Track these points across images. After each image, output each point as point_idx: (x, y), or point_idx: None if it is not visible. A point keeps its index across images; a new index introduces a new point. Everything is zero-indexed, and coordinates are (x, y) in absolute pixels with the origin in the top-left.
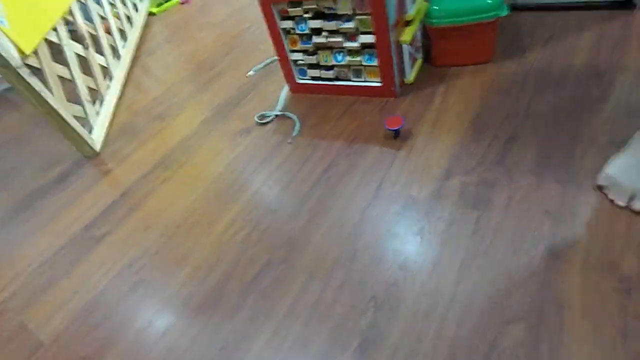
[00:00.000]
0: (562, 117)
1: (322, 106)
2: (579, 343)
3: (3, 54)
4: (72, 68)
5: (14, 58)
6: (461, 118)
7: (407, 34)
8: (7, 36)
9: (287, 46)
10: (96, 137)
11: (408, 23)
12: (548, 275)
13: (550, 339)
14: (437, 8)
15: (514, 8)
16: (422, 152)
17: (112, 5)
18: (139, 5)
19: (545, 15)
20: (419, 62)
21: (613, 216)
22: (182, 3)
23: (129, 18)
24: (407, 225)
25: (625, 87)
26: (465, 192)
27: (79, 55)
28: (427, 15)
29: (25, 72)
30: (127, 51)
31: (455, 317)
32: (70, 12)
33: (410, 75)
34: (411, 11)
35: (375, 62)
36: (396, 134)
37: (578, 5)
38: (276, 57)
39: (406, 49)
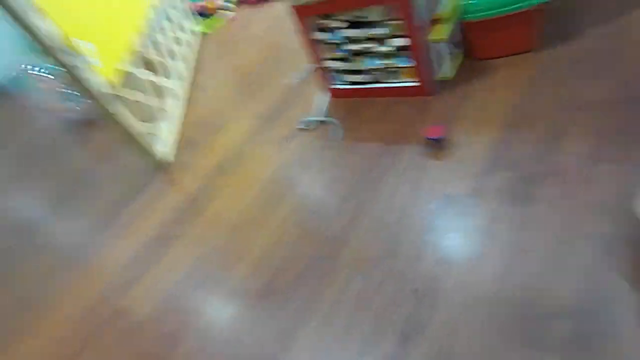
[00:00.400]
0: (618, 108)
1: (361, 109)
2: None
3: (99, 88)
4: (145, 92)
5: (106, 90)
6: (503, 112)
7: (441, 32)
8: (101, 73)
9: (323, 55)
10: (166, 150)
11: (443, 21)
12: (598, 268)
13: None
14: (474, 2)
15: None
16: (463, 151)
17: (171, 31)
18: (191, 29)
19: None
20: (459, 57)
21: None
22: (230, 20)
23: (185, 41)
24: (446, 222)
25: None
26: (507, 188)
27: (150, 82)
28: (464, 10)
29: (114, 100)
30: (185, 71)
31: (494, 312)
32: (143, 46)
33: (450, 72)
34: (447, 8)
35: (410, 64)
36: (437, 141)
37: None
38: (314, 65)
39: (442, 46)
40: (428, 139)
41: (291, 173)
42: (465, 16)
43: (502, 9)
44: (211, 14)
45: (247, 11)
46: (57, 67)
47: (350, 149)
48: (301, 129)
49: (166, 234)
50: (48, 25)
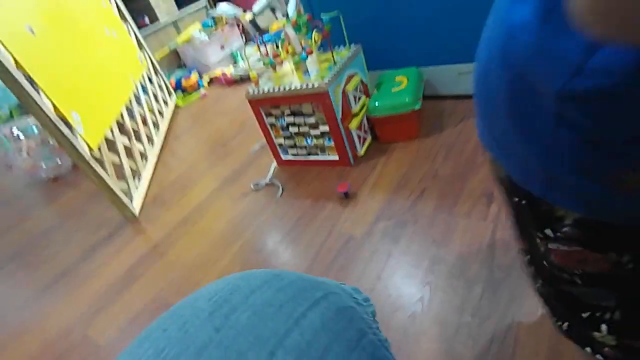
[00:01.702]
0: (456, 177)
1: (299, 175)
2: None
3: (80, 151)
4: (120, 156)
5: (86, 153)
6: (392, 179)
7: (354, 123)
8: (83, 139)
9: (273, 134)
10: (136, 205)
11: (355, 115)
12: (433, 282)
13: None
14: (375, 105)
15: (434, 97)
16: (363, 205)
17: (148, 104)
18: (169, 101)
19: (460, 102)
20: (368, 140)
21: (477, 231)
22: (202, 97)
23: (160, 112)
24: (349, 255)
25: None
26: (385, 231)
27: (124, 145)
28: (369, 109)
29: (92, 161)
30: (159, 138)
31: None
32: (121, 115)
33: (362, 150)
34: (357, 107)
35: (332, 143)
36: (345, 195)
37: None
38: (265, 142)
39: (354, 133)
40: (339, 192)
41: (242, 222)
42: (370, 113)
43: (393, 111)
44: (186, 90)
45: (217, 90)
46: (33, 128)
47: (289, 204)
48: (253, 189)
49: (130, 274)
50: (42, 97)
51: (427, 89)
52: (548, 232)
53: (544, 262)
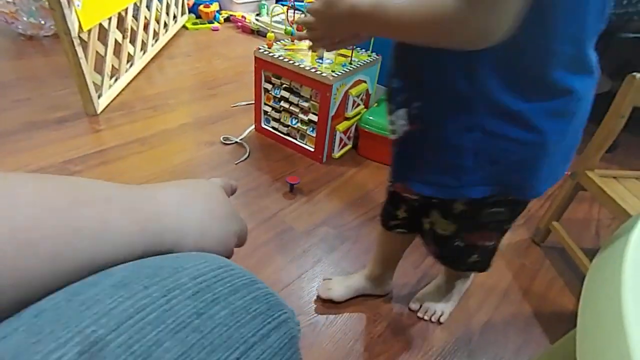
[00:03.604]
0: None
1: (270, 149)
2: None
3: (69, 24)
4: (107, 49)
5: (74, 30)
6: (353, 192)
7: (342, 126)
8: (76, 14)
9: (264, 99)
10: (101, 102)
11: (347, 118)
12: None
13: None
14: (370, 118)
15: None
16: (315, 205)
17: (158, 11)
18: (179, 18)
19: None
20: (348, 146)
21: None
22: (212, 29)
23: (165, 24)
24: (281, 245)
25: None
26: (325, 237)
27: (116, 40)
28: (361, 119)
29: (76, 41)
30: (153, 49)
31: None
32: (125, 9)
33: (337, 153)
34: (351, 112)
35: (314, 134)
36: (291, 188)
37: None
38: (253, 102)
39: (338, 134)
40: (287, 182)
41: (196, 168)
42: (361, 124)
43: (382, 132)
44: (200, 16)
45: (230, 31)
46: None
47: (247, 171)
48: (221, 142)
49: (65, 167)
50: None
51: None
52: None
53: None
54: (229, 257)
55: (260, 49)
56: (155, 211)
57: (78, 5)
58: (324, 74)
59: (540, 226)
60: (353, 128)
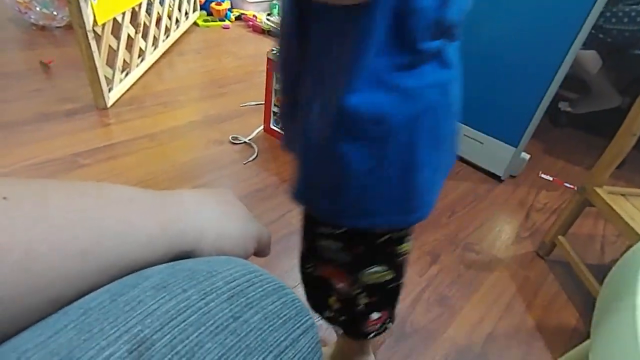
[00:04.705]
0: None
1: (279, 150)
2: None
3: (84, 18)
4: (120, 43)
5: (89, 23)
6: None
7: None
8: (92, 7)
9: (274, 100)
10: (112, 96)
11: None
12: None
13: None
14: None
15: None
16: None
17: (170, 7)
18: (190, 15)
19: None
20: None
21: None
22: (224, 28)
23: (177, 20)
24: (289, 247)
25: None
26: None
27: (128, 35)
28: None
29: (90, 34)
30: (164, 45)
31: None
32: (139, 4)
33: None
34: None
35: None
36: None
37: None
38: (262, 103)
39: None
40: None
41: (204, 166)
42: None
43: None
44: (211, 14)
45: (241, 30)
46: None
47: (255, 172)
48: (230, 142)
49: (74, 160)
50: None
51: None
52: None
53: None
54: (245, 259)
55: (273, 50)
56: (177, 211)
57: (94, 0)
58: None
59: (546, 240)
60: None
